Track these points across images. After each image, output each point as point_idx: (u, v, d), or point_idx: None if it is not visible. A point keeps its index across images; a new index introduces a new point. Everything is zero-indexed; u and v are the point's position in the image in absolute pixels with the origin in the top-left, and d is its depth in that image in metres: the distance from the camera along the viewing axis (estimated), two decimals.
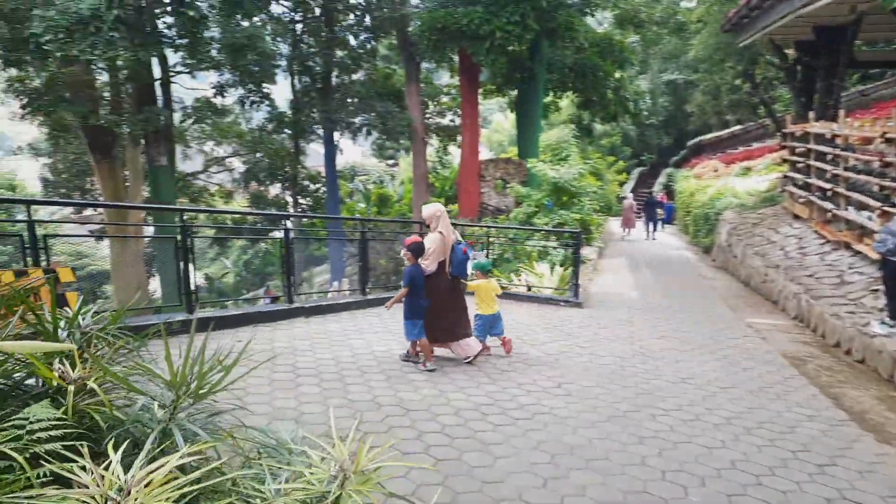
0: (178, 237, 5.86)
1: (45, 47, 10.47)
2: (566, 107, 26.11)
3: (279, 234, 9.79)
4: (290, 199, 21.29)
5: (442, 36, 14.92)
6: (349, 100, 18.40)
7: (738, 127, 28.26)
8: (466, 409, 4.32)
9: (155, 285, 17.37)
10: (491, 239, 10.74)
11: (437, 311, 5.34)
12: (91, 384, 1.90)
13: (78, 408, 1.85)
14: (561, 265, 10.94)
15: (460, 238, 5.71)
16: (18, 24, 11.13)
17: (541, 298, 9.16)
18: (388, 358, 5.51)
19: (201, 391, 1.95)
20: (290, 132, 19.69)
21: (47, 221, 11.12)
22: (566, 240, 11.89)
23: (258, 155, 20.04)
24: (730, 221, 14.05)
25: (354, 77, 19.74)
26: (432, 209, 5.52)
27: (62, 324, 2.29)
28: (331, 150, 19.66)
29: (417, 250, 5.22)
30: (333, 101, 18.04)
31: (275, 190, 22.10)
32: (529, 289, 10.36)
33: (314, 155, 27.53)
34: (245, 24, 14.13)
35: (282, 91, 24.95)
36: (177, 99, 16.13)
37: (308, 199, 21.03)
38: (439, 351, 5.59)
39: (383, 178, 32.69)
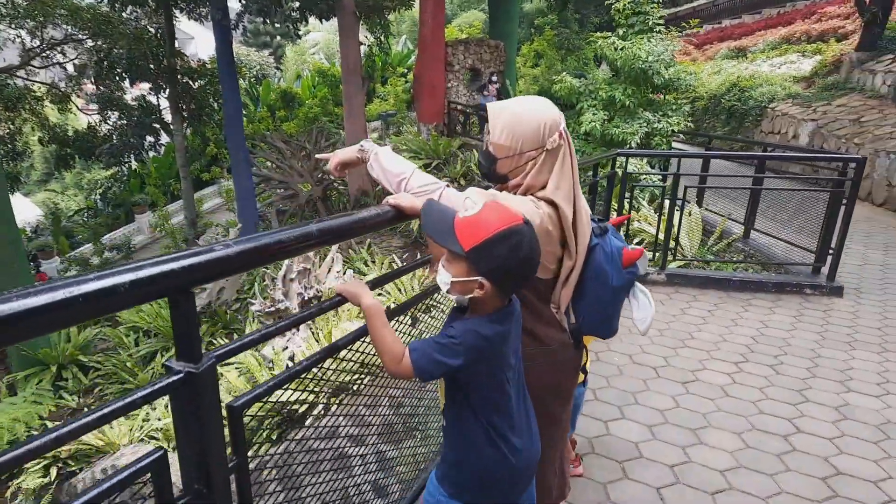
0: None
1: None
2: None
3: None
4: (163, 103, 14.94)
5: None
6: None
7: None
8: None
9: None
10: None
11: (551, 431, 1.62)
12: None
13: None
14: None
15: (599, 221, 1.65)
16: None
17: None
18: None
19: None
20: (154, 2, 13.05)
21: None
22: None
23: (101, 42, 13.34)
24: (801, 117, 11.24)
25: None
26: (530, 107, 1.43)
27: None
28: (224, 30, 13.45)
29: (496, 259, 1.15)
30: None
31: (137, 91, 15.41)
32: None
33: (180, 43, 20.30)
34: None
35: None
36: None
37: (192, 103, 14.84)
38: None
39: (267, 72, 26.05)
